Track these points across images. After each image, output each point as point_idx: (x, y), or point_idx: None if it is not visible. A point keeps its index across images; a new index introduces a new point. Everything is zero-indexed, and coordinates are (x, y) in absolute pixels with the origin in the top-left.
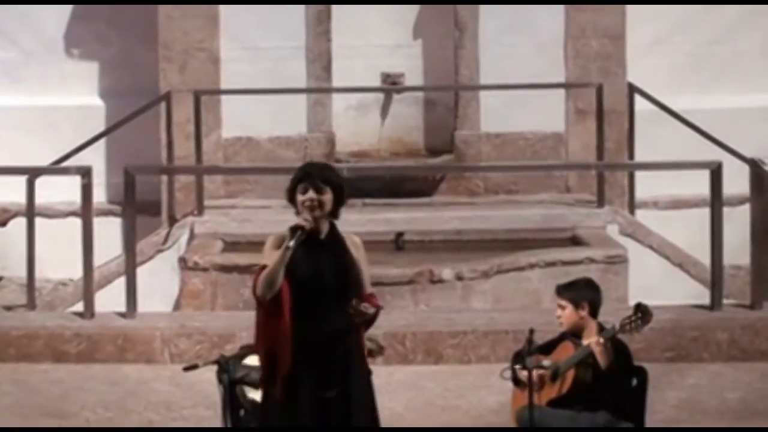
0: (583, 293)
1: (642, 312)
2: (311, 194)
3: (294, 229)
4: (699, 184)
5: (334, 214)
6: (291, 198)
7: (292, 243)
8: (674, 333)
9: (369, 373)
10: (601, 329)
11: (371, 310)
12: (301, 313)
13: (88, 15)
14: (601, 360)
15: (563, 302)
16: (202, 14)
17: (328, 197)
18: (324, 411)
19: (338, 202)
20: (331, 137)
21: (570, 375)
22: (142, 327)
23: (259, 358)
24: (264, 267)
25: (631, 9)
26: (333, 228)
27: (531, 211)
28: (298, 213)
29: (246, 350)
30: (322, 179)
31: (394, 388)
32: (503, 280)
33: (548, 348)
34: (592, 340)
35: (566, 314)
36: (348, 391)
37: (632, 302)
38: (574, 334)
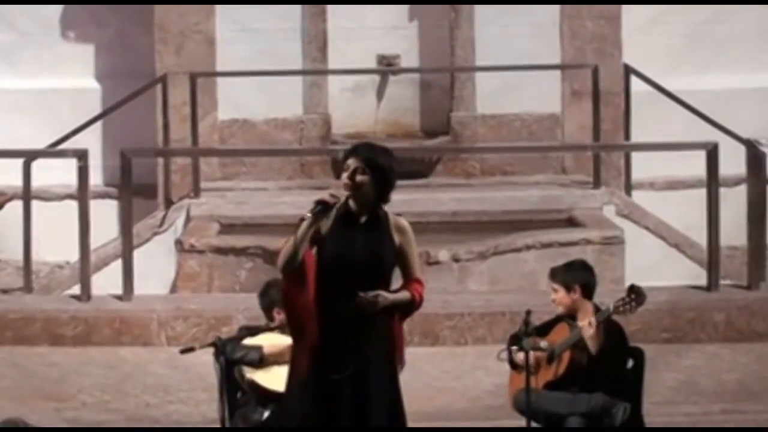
0: (574, 276)
1: (636, 293)
2: (348, 175)
3: (317, 203)
4: (695, 164)
5: (382, 197)
6: (339, 176)
7: (309, 214)
8: (671, 314)
9: (394, 367)
10: (597, 310)
11: (381, 303)
12: (326, 291)
13: None
14: (591, 344)
15: (555, 286)
16: None
17: (366, 179)
18: (331, 394)
19: (382, 186)
20: (327, 119)
21: (566, 357)
22: (138, 310)
23: (289, 329)
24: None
25: None
26: (377, 211)
27: (527, 192)
28: None
29: (245, 331)
30: (363, 161)
31: None
32: (500, 262)
33: (544, 329)
34: (584, 323)
35: (559, 297)
36: (362, 381)
37: (629, 283)
38: (570, 315)
